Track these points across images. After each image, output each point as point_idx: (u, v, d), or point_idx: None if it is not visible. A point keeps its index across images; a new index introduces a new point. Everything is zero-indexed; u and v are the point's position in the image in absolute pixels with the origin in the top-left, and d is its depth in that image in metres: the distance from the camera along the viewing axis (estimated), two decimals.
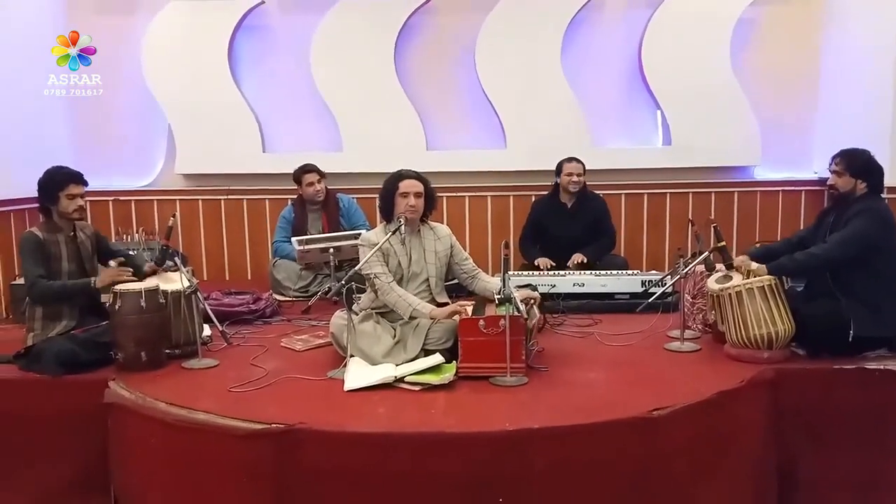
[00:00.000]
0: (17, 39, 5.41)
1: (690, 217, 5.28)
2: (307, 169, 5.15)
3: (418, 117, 5.83)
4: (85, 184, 3.66)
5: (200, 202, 6.03)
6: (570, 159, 5.02)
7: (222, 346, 3.60)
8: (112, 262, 3.67)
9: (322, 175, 5.17)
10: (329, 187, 5.26)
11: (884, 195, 3.54)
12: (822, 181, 3.86)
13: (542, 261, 4.89)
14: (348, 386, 3.08)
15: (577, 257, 4.85)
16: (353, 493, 2.67)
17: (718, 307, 3.52)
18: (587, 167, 5.05)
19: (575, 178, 4.97)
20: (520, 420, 2.71)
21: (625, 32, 5.83)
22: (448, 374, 3.12)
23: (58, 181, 3.59)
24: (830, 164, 3.54)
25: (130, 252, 4.15)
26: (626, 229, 5.81)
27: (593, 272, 4.65)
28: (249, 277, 5.98)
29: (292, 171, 5.21)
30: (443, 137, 5.96)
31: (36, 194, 3.66)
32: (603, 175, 5.60)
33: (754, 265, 3.43)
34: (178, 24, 5.81)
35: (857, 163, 3.45)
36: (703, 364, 3.39)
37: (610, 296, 4.46)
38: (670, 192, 5.85)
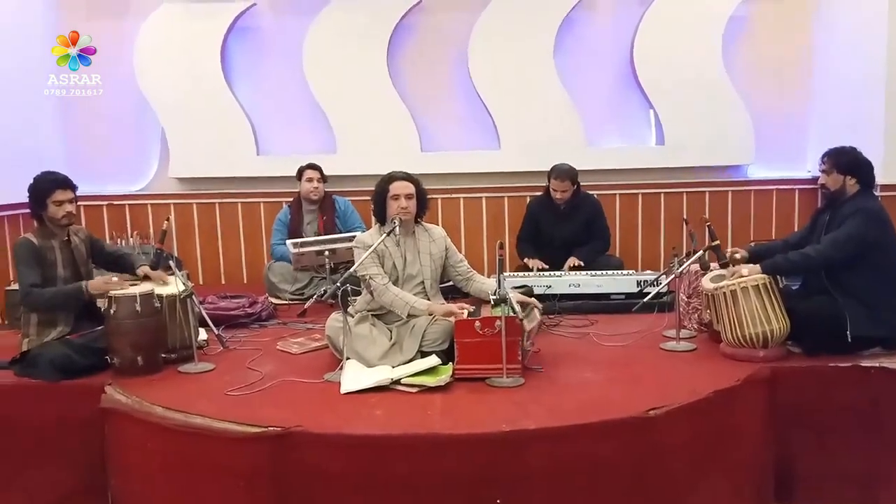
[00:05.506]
0: (8, 41, 5.38)
1: (685, 216, 5.28)
2: (310, 165, 5.20)
3: (412, 118, 5.81)
4: (73, 188, 3.62)
5: (195, 206, 6.00)
6: (559, 174, 4.84)
7: (218, 350, 3.60)
8: (115, 278, 3.66)
9: (323, 177, 5.18)
10: (325, 189, 5.25)
11: (877, 191, 3.55)
12: (815, 179, 3.87)
13: (532, 262, 4.87)
14: (345, 388, 3.08)
15: (573, 261, 4.83)
16: (351, 495, 2.68)
17: (713, 306, 3.53)
18: (581, 168, 5.01)
19: (559, 196, 4.90)
20: (516, 421, 2.72)
21: (617, 31, 5.82)
22: (444, 375, 3.12)
23: (44, 188, 3.54)
24: (819, 164, 3.57)
25: (127, 252, 4.14)
26: (620, 229, 5.79)
27: (589, 273, 4.65)
28: (245, 281, 5.96)
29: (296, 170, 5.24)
30: (437, 139, 5.94)
31: (27, 199, 3.63)
32: (597, 175, 5.60)
33: (745, 270, 3.42)
34: (171, 26, 5.79)
35: (843, 160, 3.47)
36: (699, 363, 3.41)
37: (606, 296, 4.47)
38: (664, 192, 5.85)
